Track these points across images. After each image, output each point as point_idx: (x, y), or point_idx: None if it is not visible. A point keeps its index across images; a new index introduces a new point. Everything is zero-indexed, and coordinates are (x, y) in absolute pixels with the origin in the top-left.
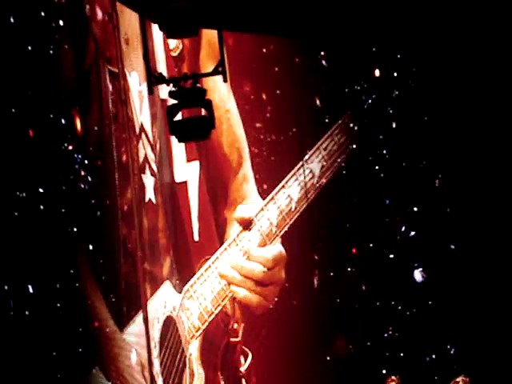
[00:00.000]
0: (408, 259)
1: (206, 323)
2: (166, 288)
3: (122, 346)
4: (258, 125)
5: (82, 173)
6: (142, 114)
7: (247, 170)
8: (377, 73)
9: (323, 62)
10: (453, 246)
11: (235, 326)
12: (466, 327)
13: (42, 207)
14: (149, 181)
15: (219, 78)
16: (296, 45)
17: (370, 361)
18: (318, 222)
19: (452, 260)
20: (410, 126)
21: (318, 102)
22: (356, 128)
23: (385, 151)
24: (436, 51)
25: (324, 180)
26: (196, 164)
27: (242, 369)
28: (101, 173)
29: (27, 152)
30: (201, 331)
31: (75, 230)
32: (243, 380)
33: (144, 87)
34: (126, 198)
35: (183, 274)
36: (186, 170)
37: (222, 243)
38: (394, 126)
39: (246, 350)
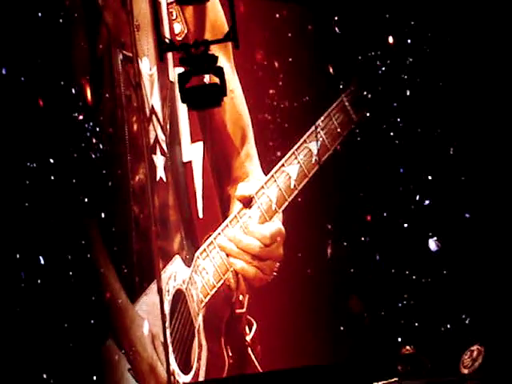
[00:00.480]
0: (422, 228)
1: (209, 296)
2: (177, 262)
3: (134, 317)
4: (271, 91)
5: (94, 141)
6: (152, 96)
7: (251, 148)
8: (390, 40)
9: (336, 29)
10: (468, 215)
11: (240, 297)
12: (480, 297)
13: (52, 178)
14: (159, 160)
15: (223, 58)
16: (309, 11)
17: (384, 330)
18: (332, 191)
19: (467, 229)
20: (425, 93)
21: (331, 69)
22: (369, 96)
23: (399, 119)
24: (450, 17)
25: (322, 158)
26: (200, 145)
27: (248, 338)
28: (112, 143)
29: (37, 122)
30: (203, 304)
31: (86, 200)
32: (249, 348)
33: (154, 71)
34: (138, 176)
35: (192, 249)
36: (191, 151)
37: (225, 219)
38: (408, 93)
39: (251, 319)
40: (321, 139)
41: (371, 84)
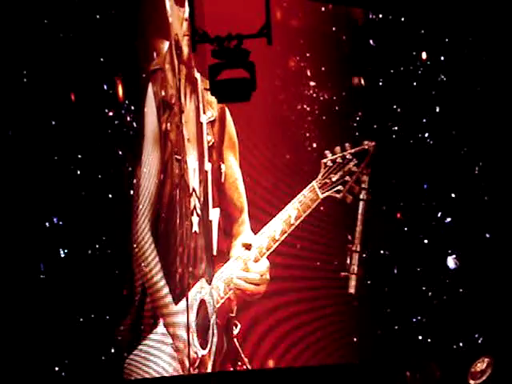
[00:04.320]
0: (442, 245)
1: (219, 304)
2: (202, 281)
3: (177, 313)
4: (312, 83)
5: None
6: (194, 180)
7: (245, 217)
8: (424, 56)
9: (371, 42)
10: (488, 235)
11: (233, 307)
12: (495, 317)
13: (78, 172)
14: (195, 219)
15: (232, 156)
16: (344, 22)
17: (396, 343)
18: (355, 203)
19: (486, 249)
20: (454, 111)
21: (362, 81)
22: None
23: (426, 135)
24: (485, 37)
25: (298, 221)
26: (217, 210)
27: (234, 333)
28: (169, 209)
29: (68, 116)
30: (215, 309)
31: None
32: (235, 339)
33: (196, 165)
34: (183, 229)
35: (210, 273)
36: (212, 213)
37: (227, 257)
38: (437, 110)
39: (237, 322)
40: (297, 208)
41: (401, 98)
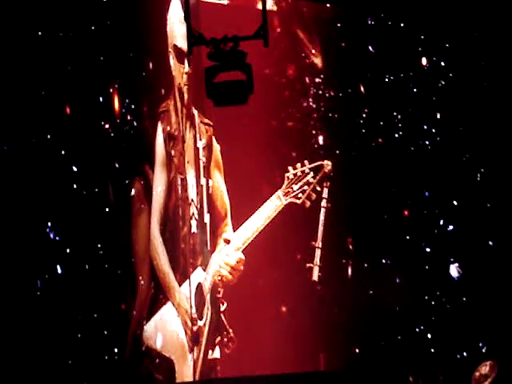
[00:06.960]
0: (445, 254)
1: (210, 286)
2: (199, 270)
3: (180, 292)
4: (317, 80)
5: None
6: (192, 193)
7: (228, 220)
8: (424, 61)
9: (370, 48)
10: (491, 243)
11: (220, 289)
12: (499, 326)
13: (75, 186)
14: (194, 222)
15: (218, 172)
16: (343, 29)
17: (399, 356)
18: (355, 213)
19: (489, 257)
20: (455, 117)
21: (362, 88)
22: (399, 117)
23: (427, 142)
24: (486, 41)
25: (266, 222)
26: (208, 215)
27: (221, 309)
28: (175, 216)
29: (63, 129)
30: (208, 290)
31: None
32: (221, 314)
33: (194, 182)
34: (184, 230)
35: (206, 262)
36: (206, 218)
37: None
38: (438, 116)
39: (224, 301)
40: (265, 213)
41: (402, 105)
